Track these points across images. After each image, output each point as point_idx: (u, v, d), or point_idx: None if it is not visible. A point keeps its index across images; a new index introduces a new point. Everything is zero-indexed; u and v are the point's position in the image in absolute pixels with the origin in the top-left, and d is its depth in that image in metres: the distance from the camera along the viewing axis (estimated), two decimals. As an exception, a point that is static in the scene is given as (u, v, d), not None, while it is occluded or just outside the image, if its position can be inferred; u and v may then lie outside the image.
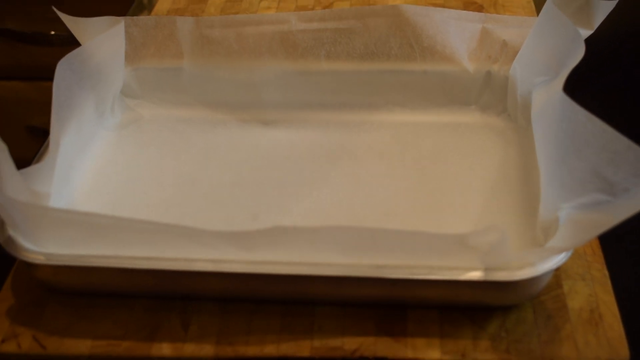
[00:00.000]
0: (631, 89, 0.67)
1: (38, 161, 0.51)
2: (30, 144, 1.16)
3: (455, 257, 0.41)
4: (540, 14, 0.53)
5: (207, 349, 0.42)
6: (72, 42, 0.58)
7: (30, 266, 0.44)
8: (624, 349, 0.40)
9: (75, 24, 0.59)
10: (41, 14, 1.07)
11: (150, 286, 0.45)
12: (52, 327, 0.44)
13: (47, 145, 0.51)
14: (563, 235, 0.40)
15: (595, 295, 0.44)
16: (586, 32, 0.53)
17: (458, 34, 0.59)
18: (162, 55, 0.61)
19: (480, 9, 0.70)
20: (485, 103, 0.59)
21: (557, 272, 0.45)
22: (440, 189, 0.53)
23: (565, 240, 0.40)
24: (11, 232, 0.44)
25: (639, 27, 0.77)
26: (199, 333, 0.43)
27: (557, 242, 0.40)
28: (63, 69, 0.51)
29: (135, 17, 0.61)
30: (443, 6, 0.71)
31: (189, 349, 0.42)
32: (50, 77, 0.50)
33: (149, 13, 0.76)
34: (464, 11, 0.60)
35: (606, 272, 0.45)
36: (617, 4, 0.54)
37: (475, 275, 0.41)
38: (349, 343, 0.42)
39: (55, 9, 0.59)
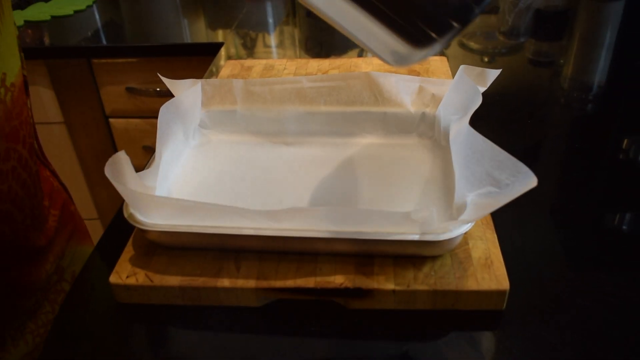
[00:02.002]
0: (510, 120, 0.67)
1: (148, 167, 0.51)
2: (144, 157, 1.16)
3: (403, 226, 0.41)
4: (455, 78, 0.53)
5: (251, 283, 0.42)
6: (169, 95, 0.58)
7: (143, 231, 0.44)
8: (505, 282, 0.41)
9: (171, 83, 0.59)
10: (151, 77, 1.07)
11: (216, 244, 0.45)
12: (157, 268, 0.44)
13: (153, 158, 0.51)
14: (469, 213, 0.40)
15: (488, 249, 0.44)
16: (482, 88, 0.54)
17: (405, 89, 0.59)
18: (224, 103, 0.60)
19: (418, 74, 0.70)
20: (421, 132, 0.58)
21: (465, 235, 0.45)
22: (393, 184, 0.52)
23: (470, 216, 0.40)
24: (132, 210, 0.44)
25: (512, 85, 0.77)
26: (246, 273, 0.43)
27: (465, 217, 0.40)
28: (164, 111, 0.51)
29: (207, 79, 0.61)
30: (396, 72, 0.71)
31: (240, 282, 0.42)
32: (155, 116, 0.50)
33: (216, 77, 0.76)
34: (408, 75, 0.60)
35: (495, 235, 0.45)
36: (501, 73, 0.54)
37: (415, 237, 0.41)
38: (338, 279, 0.42)
39: (159, 75, 0.59)
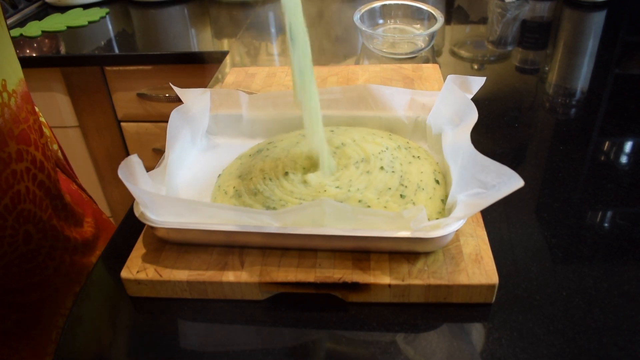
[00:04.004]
0: (498, 124, 0.67)
1: (157, 168, 0.51)
2: (154, 159, 1.16)
3: (398, 224, 0.41)
4: (442, 89, 0.53)
5: (254, 277, 0.42)
6: (177, 100, 0.58)
7: (153, 228, 0.44)
8: (495, 276, 0.41)
9: (182, 92, 0.59)
10: (160, 84, 1.07)
11: (221, 240, 0.45)
12: (165, 263, 0.44)
13: (163, 160, 0.51)
14: (460, 211, 0.41)
15: (478, 245, 0.43)
16: (469, 95, 0.53)
17: (399, 100, 0.59)
18: (230, 109, 0.60)
19: (412, 81, 0.70)
20: (414, 139, 0.58)
21: (457, 232, 0.45)
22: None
23: (461, 214, 0.40)
24: (142, 209, 0.44)
25: (500, 91, 0.77)
26: (250, 268, 0.43)
27: (456, 214, 0.41)
28: (173, 117, 0.52)
29: (216, 89, 0.61)
30: (391, 79, 0.71)
31: (244, 277, 0.42)
32: (165, 121, 0.51)
33: (222, 83, 0.76)
34: (402, 88, 0.59)
35: (485, 232, 0.45)
36: (489, 79, 0.54)
37: (409, 234, 0.41)
38: (337, 273, 0.42)
39: (171, 84, 0.59)
